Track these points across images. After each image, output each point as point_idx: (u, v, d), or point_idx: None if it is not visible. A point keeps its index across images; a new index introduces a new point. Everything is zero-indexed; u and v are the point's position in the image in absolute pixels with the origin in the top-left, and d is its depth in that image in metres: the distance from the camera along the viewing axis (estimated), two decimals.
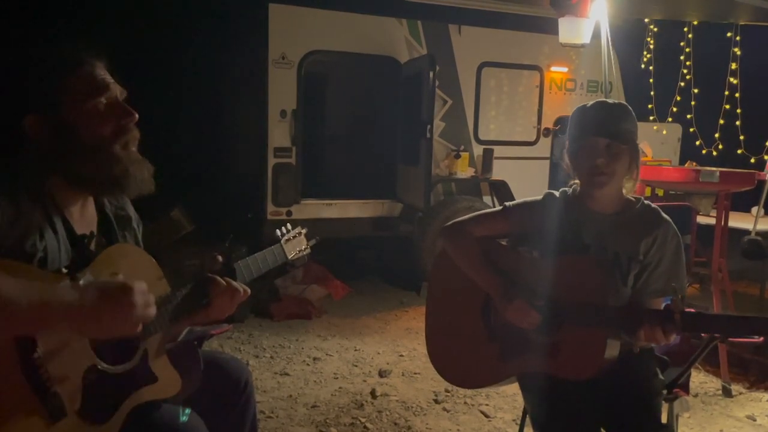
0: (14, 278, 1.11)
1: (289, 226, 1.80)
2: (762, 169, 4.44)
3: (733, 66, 5.70)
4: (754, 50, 5.62)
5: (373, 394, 3.33)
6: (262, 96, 5.33)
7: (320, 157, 6.73)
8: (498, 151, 5.98)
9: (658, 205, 1.86)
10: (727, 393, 3.38)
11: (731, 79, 5.74)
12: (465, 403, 3.24)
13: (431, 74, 5.09)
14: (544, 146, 6.36)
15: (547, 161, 6.37)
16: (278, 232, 1.76)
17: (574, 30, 4.25)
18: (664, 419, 1.77)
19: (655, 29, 6.37)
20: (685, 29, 6.16)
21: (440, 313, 2.02)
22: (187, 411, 1.44)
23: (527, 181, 5.96)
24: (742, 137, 5.77)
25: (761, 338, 2.82)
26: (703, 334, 1.73)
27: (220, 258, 1.55)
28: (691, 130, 6.31)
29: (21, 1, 6.01)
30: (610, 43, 4.30)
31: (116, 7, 6.00)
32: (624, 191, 1.84)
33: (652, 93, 6.48)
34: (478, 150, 6.03)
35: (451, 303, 1.98)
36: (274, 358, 3.87)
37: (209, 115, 6.32)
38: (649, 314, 1.58)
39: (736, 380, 3.51)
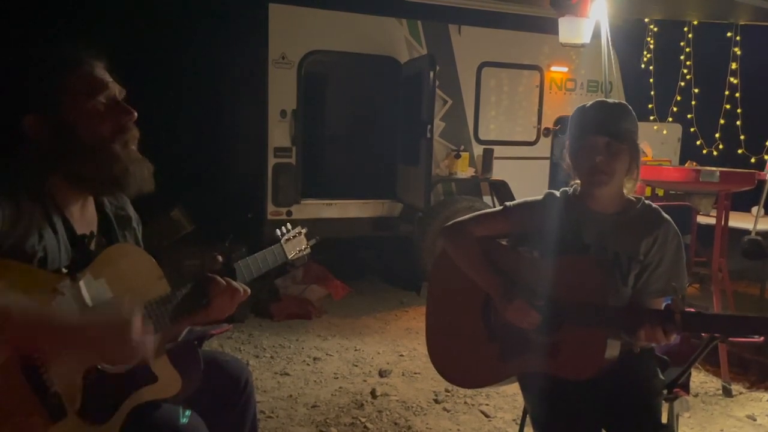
0: (17, 294, 1.12)
1: (289, 225, 1.80)
2: (762, 168, 4.43)
3: (734, 66, 5.70)
4: (754, 50, 5.61)
5: (373, 393, 3.33)
6: (262, 96, 5.33)
7: (320, 157, 6.73)
8: (498, 151, 5.98)
9: (659, 205, 1.86)
10: (727, 393, 3.38)
11: (731, 79, 5.73)
12: (465, 402, 3.24)
13: (431, 74, 5.09)
14: (545, 146, 6.36)
15: (548, 161, 6.36)
16: (278, 231, 1.76)
17: (574, 30, 4.25)
18: (664, 419, 1.77)
19: (655, 29, 6.37)
20: (686, 29, 6.15)
21: (440, 313, 2.02)
22: (188, 413, 1.44)
23: (527, 181, 5.96)
24: (742, 137, 5.77)
25: (761, 338, 2.82)
26: (703, 334, 1.73)
27: (219, 258, 1.55)
28: (692, 129, 6.31)
29: (21, 1, 6.01)
30: (610, 43, 4.30)
31: (116, 7, 5.99)
32: (625, 191, 1.84)
33: (652, 93, 6.48)
34: (478, 150, 6.03)
35: (451, 303, 1.98)
36: (275, 358, 3.87)
37: (209, 115, 6.32)
38: (649, 314, 1.58)
39: (736, 380, 3.51)
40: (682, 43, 6.23)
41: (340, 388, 3.42)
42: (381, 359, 3.88)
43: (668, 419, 1.85)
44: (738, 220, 4.22)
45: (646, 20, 6.21)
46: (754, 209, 4.26)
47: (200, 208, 5.26)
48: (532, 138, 6.33)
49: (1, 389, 1.14)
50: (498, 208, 1.98)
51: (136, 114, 1.38)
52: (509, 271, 1.81)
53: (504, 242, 1.96)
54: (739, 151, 5.79)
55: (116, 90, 1.37)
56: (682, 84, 6.30)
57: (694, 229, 4.50)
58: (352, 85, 6.75)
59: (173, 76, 6.13)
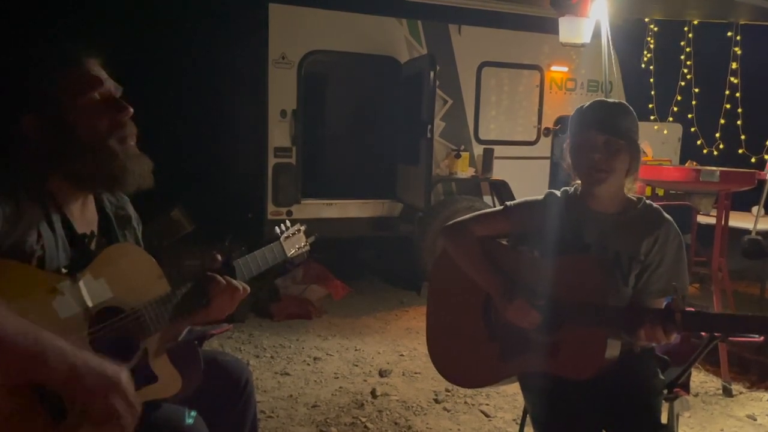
0: (14, 318, 1.08)
1: (288, 223, 1.80)
2: (762, 168, 4.43)
3: (734, 65, 5.69)
4: (754, 49, 5.61)
5: (373, 393, 3.33)
6: (262, 96, 5.33)
7: (320, 157, 6.72)
8: (498, 150, 5.98)
9: (659, 205, 1.86)
10: (727, 392, 3.38)
11: (732, 79, 5.73)
12: (465, 402, 3.24)
13: (431, 74, 5.09)
14: (545, 146, 6.35)
15: (548, 161, 6.36)
16: (277, 229, 1.76)
17: (575, 29, 4.25)
18: (664, 419, 1.77)
19: (656, 29, 6.37)
20: (686, 29, 6.15)
21: (441, 312, 2.02)
22: (193, 413, 1.43)
23: (527, 180, 5.96)
24: (742, 137, 5.77)
25: (761, 337, 2.82)
26: (703, 334, 1.73)
27: (219, 257, 1.55)
28: (692, 129, 6.31)
29: (21, 1, 6.01)
30: (610, 43, 4.30)
31: (116, 7, 6.00)
32: (625, 191, 1.83)
33: (652, 93, 6.48)
34: (478, 150, 6.02)
35: (451, 303, 1.98)
36: (275, 357, 3.87)
37: (209, 115, 6.32)
38: (649, 314, 1.58)
39: (736, 380, 3.51)
40: (682, 43, 6.23)
41: (341, 387, 3.42)
42: (381, 359, 3.88)
43: (668, 419, 1.85)
44: (738, 220, 4.22)
45: (647, 20, 6.21)
46: (755, 209, 4.26)
47: (200, 208, 5.26)
48: (533, 138, 6.32)
49: (2, 389, 1.14)
50: (498, 207, 1.97)
51: (132, 110, 1.37)
52: (510, 270, 1.81)
53: (504, 242, 1.96)
54: (740, 151, 5.79)
55: (111, 86, 1.37)
56: (683, 84, 6.31)
57: (694, 229, 4.50)
58: (352, 85, 6.75)
59: (173, 76, 6.14)
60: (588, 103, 1.81)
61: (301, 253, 1.81)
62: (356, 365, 3.77)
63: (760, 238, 3.86)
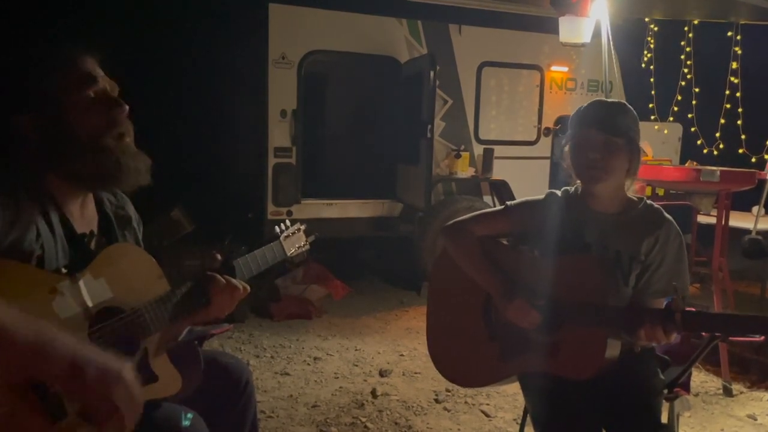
0: (14, 312, 1.08)
1: (287, 222, 1.80)
2: (763, 168, 4.43)
3: (734, 65, 5.70)
4: (754, 49, 5.61)
5: (373, 393, 3.33)
6: (262, 96, 5.33)
7: (320, 157, 6.73)
8: (498, 150, 5.98)
9: (660, 205, 1.86)
10: (727, 392, 3.38)
11: (732, 79, 5.73)
12: (466, 402, 3.24)
13: (431, 74, 5.09)
14: (545, 146, 6.35)
15: (548, 161, 6.36)
16: (277, 228, 1.76)
17: (575, 29, 4.25)
18: (664, 418, 1.77)
19: (656, 28, 6.37)
20: (686, 28, 6.16)
21: (441, 312, 2.02)
22: (189, 415, 1.43)
23: (528, 180, 5.96)
24: (743, 136, 5.77)
25: (762, 337, 2.82)
26: (703, 334, 1.73)
27: (218, 256, 1.55)
28: (692, 129, 6.31)
29: (21, 1, 6.01)
30: (610, 43, 4.30)
31: (116, 7, 6.00)
32: (626, 190, 1.83)
33: (652, 92, 6.48)
34: (478, 150, 6.02)
35: (451, 302, 1.97)
36: (275, 357, 3.87)
37: (209, 115, 6.32)
38: (649, 313, 1.58)
39: (736, 379, 3.51)
40: (682, 43, 6.23)
41: (341, 387, 3.42)
42: (381, 359, 3.88)
43: (669, 419, 1.85)
44: (738, 220, 4.22)
45: (647, 20, 6.21)
46: (755, 209, 4.26)
47: (200, 208, 5.26)
48: (533, 138, 6.32)
49: (1, 389, 1.14)
50: (499, 207, 1.97)
51: (127, 107, 1.37)
52: (510, 270, 1.81)
53: (505, 242, 1.96)
54: (740, 151, 5.79)
55: (107, 84, 1.37)
56: (683, 83, 6.31)
57: (694, 229, 4.49)
58: (352, 85, 6.75)
59: (173, 76, 6.13)
60: (587, 103, 1.81)
61: (301, 253, 1.81)
62: (356, 365, 3.77)
63: (760, 237, 3.86)
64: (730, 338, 2.81)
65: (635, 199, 1.85)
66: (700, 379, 3.54)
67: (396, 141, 5.89)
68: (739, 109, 5.73)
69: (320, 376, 3.58)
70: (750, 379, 3.58)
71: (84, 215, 1.43)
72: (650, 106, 6.47)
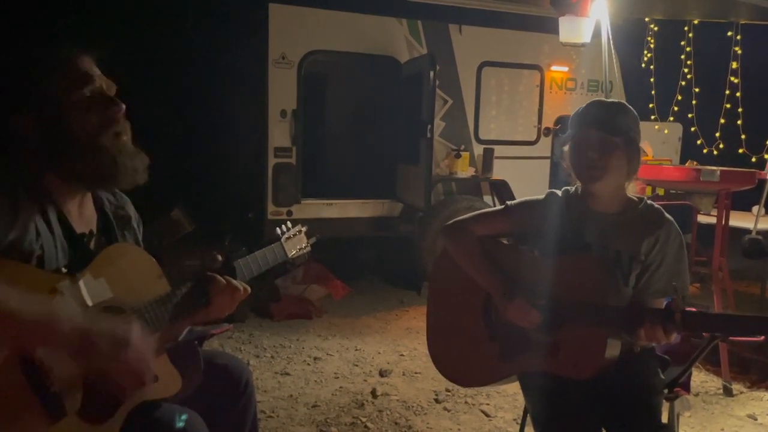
0: (21, 291, 1.11)
1: (289, 224, 1.80)
2: (763, 168, 4.44)
3: (734, 65, 5.70)
4: (755, 49, 5.61)
5: (373, 393, 3.33)
6: (262, 96, 5.33)
7: (320, 157, 6.73)
8: (498, 150, 5.97)
9: (660, 205, 1.86)
10: (727, 392, 3.38)
11: (732, 78, 5.73)
12: (466, 402, 3.24)
13: (431, 74, 5.09)
14: (545, 146, 6.35)
15: (548, 161, 6.36)
16: (278, 230, 1.76)
17: (575, 29, 4.25)
18: (664, 418, 1.77)
19: (656, 28, 6.37)
20: (686, 28, 6.16)
21: (441, 312, 2.02)
22: (184, 417, 1.43)
23: (528, 180, 5.96)
24: (743, 136, 5.77)
25: (762, 337, 2.81)
26: (703, 334, 1.73)
27: (219, 257, 1.55)
28: (692, 129, 6.31)
29: (21, 1, 6.01)
30: (610, 43, 4.30)
31: (116, 7, 6.00)
32: (626, 190, 1.83)
33: (653, 92, 6.48)
34: (478, 149, 6.02)
35: (452, 302, 1.97)
36: (275, 357, 3.87)
37: (209, 115, 6.32)
38: (649, 313, 1.58)
39: (736, 379, 3.51)
40: (682, 43, 6.23)
41: (341, 387, 3.42)
42: (381, 359, 3.88)
43: (669, 418, 1.85)
44: (738, 220, 4.22)
45: (647, 19, 6.21)
46: (755, 208, 4.26)
47: (200, 208, 5.26)
48: (533, 137, 6.32)
49: (1, 389, 1.14)
50: (499, 207, 1.97)
51: (123, 106, 1.37)
52: (510, 270, 1.81)
53: (505, 241, 1.96)
54: (740, 151, 5.79)
55: (103, 83, 1.37)
56: (683, 83, 6.31)
57: (694, 229, 4.49)
58: (352, 85, 6.75)
59: (173, 76, 6.13)
60: (587, 103, 1.81)
61: (302, 254, 1.80)
62: (356, 365, 3.77)
63: (760, 237, 3.86)
64: (731, 338, 2.80)
65: (635, 199, 1.84)
66: (700, 378, 3.54)
67: (396, 141, 5.89)
68: (739, 109, 5.73)
69: (320, 376, 3.58)
70: (750, 378, 3.58)
71: (82, 215, 1.43)
72: (650, 106, 6.47)
